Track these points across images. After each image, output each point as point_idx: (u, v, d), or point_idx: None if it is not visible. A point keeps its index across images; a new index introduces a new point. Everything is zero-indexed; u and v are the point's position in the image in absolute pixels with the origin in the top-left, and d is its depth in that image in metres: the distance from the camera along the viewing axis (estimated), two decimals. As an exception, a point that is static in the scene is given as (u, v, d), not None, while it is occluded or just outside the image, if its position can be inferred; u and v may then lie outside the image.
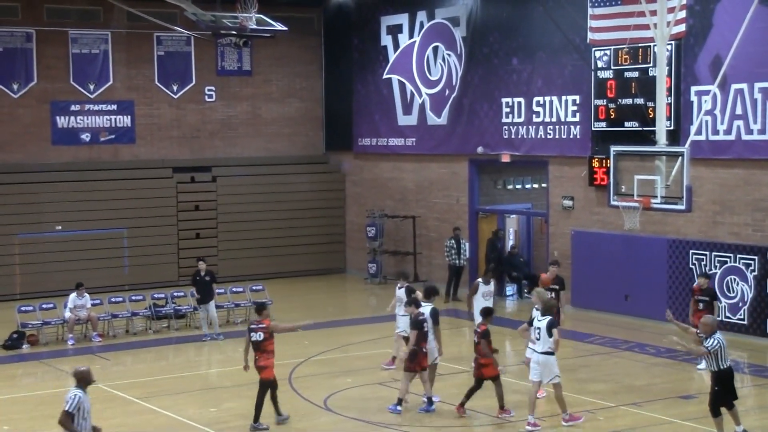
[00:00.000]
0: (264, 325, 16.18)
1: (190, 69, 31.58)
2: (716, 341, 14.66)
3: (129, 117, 30.78)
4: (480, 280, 19.94)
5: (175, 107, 31.49)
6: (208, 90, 31.98)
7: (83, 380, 12.15)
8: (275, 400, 16.30)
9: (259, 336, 16.11)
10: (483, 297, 19.40)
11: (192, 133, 31.82)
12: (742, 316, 22.07)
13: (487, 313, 16.81)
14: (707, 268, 22.50)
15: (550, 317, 16.04)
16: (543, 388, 17.04)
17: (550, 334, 15.83)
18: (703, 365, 18.62)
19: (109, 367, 20.83)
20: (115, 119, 30.61)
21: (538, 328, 15.96)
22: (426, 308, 17.21)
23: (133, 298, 25.00)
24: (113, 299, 24.72)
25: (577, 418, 16.08)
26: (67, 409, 11.82)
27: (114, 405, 17.83)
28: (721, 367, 14.74)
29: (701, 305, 19.25)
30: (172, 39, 30.96)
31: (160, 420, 16.95)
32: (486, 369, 16.39)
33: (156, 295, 25.02)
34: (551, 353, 15.93)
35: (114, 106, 30.56)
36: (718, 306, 19.96)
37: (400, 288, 19.25)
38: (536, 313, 16.23)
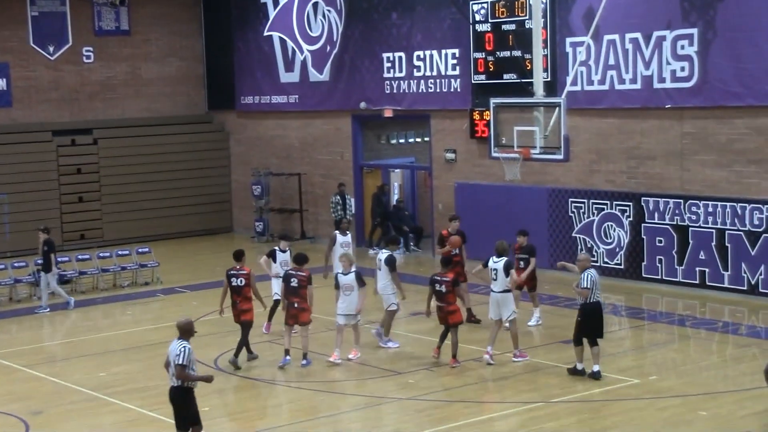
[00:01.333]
0: (245, 272, 17.08)
1: (66, 29, 30.91)
2: (589, 276, 15.57)
3: (4, 80, 30.08)
4: (336, 231, 20.48)
5: (53, 69, 30.85)
6: (86, 51, 31.38)
7: (187, 332, 12.32)
8: (247, 342, 17.29)
9: (240, 282, 17.06)
10: (341, 247, 19.85)
11: (71, 95, 31.24)
12: (618, 261, 22.78)
13: (448, 261, 17.34)
14: (585, 216, 23.17)
15: (506, 258, 16.85)
16: (357, 350, 17.45)
17: (507, 274, 16.72)
18: (534, 321, 19.39)
19: (-7, 336, 20.58)
20: (-10, 82, 29.95)
21: (495, 269, 16.83)
22: (383, 254, 18.04)
23: (16, 264, 24.60)
24: (-6, 266, 24.31)
25: (524, 355, 16.90)
26: (180, 362, 12.01)
27: (-1, 374, 17.67)
28: (589, 301, 15.60)
29: (521, 263, 19.03)
30: (45, -1, 30.35)
31: (46, 387, 16.83)
32: (453, 316, 16.84)
33: (39, 261, 24.59)
34: (508, 291, 16.84)
35: (-13, 69, 29.89)
36: (535, 263, 18.95)
37: (283, 251, 19.18)
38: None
